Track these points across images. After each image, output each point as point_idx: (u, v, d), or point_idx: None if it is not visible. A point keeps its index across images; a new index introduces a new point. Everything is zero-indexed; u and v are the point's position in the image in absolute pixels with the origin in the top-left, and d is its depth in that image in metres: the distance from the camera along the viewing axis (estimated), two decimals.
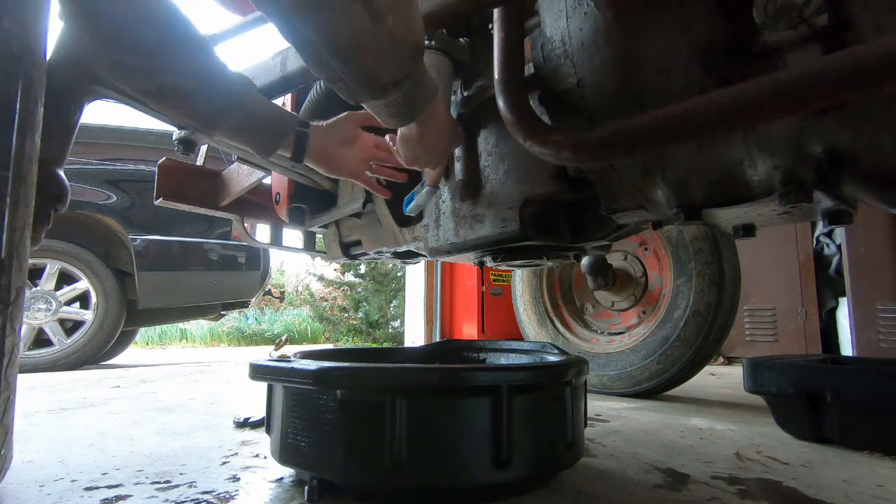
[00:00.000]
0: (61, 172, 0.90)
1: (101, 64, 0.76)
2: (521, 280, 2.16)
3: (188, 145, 1.32)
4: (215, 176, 1.53)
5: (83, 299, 2.95)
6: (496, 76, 0.77)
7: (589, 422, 0.95)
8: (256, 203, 1.59)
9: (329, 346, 6.32)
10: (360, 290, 7.69)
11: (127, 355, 4.01)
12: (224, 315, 3.95)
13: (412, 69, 0.67)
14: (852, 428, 1.02)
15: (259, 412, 1.19)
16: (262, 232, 1.76)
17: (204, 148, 1.54)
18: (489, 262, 1.19)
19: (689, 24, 0.65)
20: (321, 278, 8.16)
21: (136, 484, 0.77)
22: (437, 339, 3.57)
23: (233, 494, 0.73)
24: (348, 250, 1.51)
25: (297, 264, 11.54)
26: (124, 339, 3.64)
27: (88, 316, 2.91)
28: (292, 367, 0.70)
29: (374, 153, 0.93)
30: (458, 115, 1.05)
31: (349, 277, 7.91)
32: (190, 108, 0.77)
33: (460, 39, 1.01)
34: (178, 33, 0.71)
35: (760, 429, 1.20)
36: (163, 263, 2.97)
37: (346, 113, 0.92)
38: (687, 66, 0.66)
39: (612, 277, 1.86)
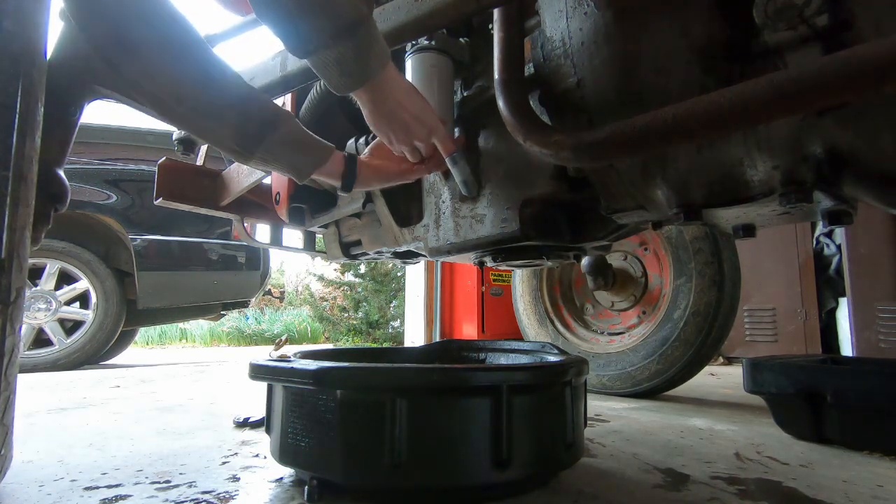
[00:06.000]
0: (61, 172, 0.90)
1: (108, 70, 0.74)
2: (521, 280, 2.16)
3: (188, 145, 1.32)
4: (215, 176, 1.53)
5: (83, 299, 2.95)
6: (496, 76, 0.77)
7: (589, 422, 0.94)
8: (256, 203, 1.59)
9: (329, 346, 6.32)
10: (360, 290, 7.68)
11: (127, 355, 4.00)
12: (224, 315, 3.95)
13: (366, 13, 0.63)
14: (852, 428, 1.02)
15: (259, 412, 1.19)
16: (262, 232, 1.76)
17: (204, 148, 1.54)
18: (489, 262, 1.19)
19: (688, 25, 0.65)
20: (321, 278, 8.16)
21: (136, 484, 0.77)
22: (437, 339, 3.57)
23: (233, 494, 0.73)
24: (348, 250, 1.51)
25: (297, 264, 11.52)
26: (124, 339, 3.64)
27: (88, 316, 2.91)
28: (292, 367, 0.70)
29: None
30: (458, 116, 1.04)
31: (349, 277, 7.91)
32: (229, 128, 0.73)
33: (460, 39, 1.01)
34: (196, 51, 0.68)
35: (760, 429, 1.20)
36: (163, 263, 2.97)
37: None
38: (687, 67, 0.66)
39: (612, 277, 1.86)
